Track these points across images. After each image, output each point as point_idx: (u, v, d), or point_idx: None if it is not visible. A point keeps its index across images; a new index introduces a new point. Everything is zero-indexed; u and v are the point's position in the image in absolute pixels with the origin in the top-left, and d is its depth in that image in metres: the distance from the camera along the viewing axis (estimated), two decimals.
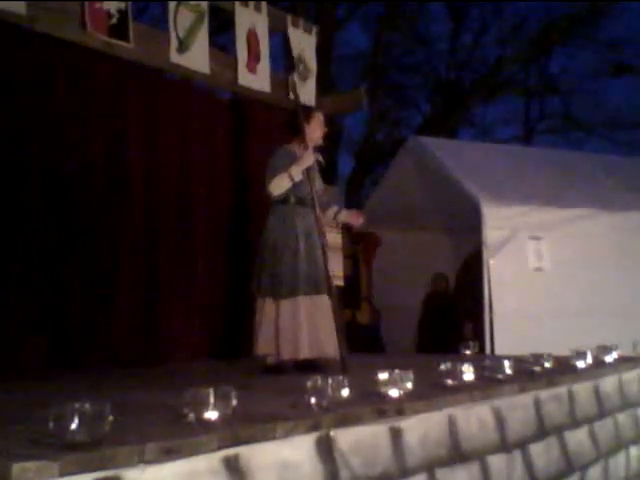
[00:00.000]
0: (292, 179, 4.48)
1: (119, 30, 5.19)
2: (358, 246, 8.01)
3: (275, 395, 3.13)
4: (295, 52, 6.66)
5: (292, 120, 4.65)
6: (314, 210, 4.50)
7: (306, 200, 4.54)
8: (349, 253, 7.55)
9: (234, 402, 2.27)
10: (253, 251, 4.77)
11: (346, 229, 7.42)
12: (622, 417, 4.45)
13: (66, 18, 4.94)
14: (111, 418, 1.88)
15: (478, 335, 6.36)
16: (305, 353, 4.40)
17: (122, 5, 5.19)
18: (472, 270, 6.92)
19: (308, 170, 4.52)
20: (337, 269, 6.38)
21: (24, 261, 4.68)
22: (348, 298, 6.94)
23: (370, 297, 7.98)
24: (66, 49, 5.00)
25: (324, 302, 4.44)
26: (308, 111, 4.79)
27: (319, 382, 2.56)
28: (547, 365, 4.03)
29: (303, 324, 4.41)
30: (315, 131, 4.65)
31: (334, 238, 6.46)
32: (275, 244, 4.52)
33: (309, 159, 4.52)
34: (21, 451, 1.78)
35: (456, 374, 3.24)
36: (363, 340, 6.97)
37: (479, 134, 16.65)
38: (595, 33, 15.64)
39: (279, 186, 4.51)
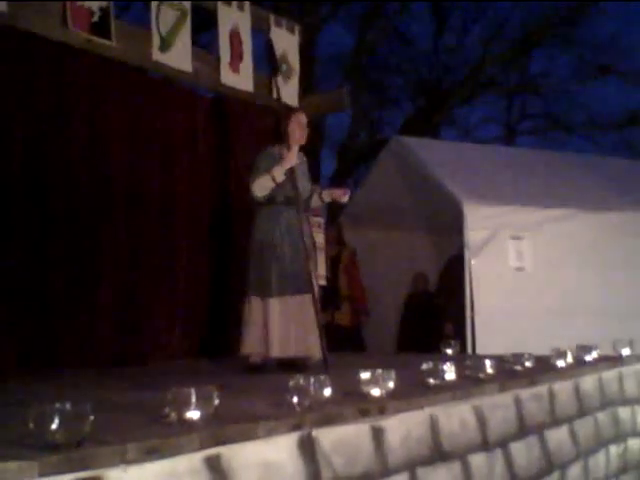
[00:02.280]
0: (275, 180, 4.49)
1: (101, 28, 5.16)
2: (342, 248, 7.96)
3: (257, 394, 3.13)
4: (278, 52, 6.64)
5: (278, 124, 4.68)
6: (299, 210, 4.52)
7: (292, 200, 4.55)
8: (332, 255, 7.54)
9: (216, 402, 2.27)
10: (236, 250, 4.77)
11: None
12: (602, 416, 4.48)
13: (48, 15, 4.90)
14: (92, 418, 1.87)
15: (459, 334, 6.38)
16: (290, 352, 4.43)
17: (104, 3, 5.16)
18: (455, 270, 6.93)
19: (292, 171, 4.53)
20: (320, 268, 6.38)
21: (1, 260, 4.64)
22: (327, 299, 6.88)
23: (352, 298, 7.90)
24: (47, 46, 4.96)
25: (308, 301, 4.46)
26: (287, 112, 4.80)
27: (301, 381, 2.56)
28: (528, 364, 4.05)
29: (289, 323, 4.45)
30: (294, 131, 4.65)
31: (316, 237, 6.46)
32: (261, 244, 4.55)
33: (292, 160, 4.53)
34: (1, 451, 1.77)
35: (438, 373, 3.25)
36: (343, 341, 6.93)
37: (461, 134, 16.74)
38: (576, 34, 15.77)
39: (262, 187, 4.53)
